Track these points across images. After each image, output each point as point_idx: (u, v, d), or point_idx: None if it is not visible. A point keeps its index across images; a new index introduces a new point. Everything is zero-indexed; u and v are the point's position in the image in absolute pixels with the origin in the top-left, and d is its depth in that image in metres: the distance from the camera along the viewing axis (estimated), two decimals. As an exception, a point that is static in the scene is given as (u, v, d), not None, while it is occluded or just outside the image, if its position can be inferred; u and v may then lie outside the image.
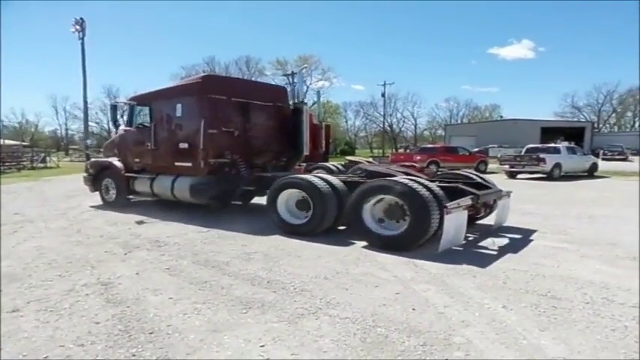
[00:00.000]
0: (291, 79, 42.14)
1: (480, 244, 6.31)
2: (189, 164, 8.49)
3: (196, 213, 8.78)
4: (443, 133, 70.54)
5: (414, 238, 5.72)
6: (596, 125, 72.49)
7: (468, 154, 27.13)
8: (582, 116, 78.95)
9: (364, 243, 6.16)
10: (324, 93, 55.95)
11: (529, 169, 19.90)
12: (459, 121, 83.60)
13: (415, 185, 5.79)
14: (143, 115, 9.72)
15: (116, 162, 10.12)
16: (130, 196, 10.00)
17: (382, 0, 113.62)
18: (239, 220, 7.92)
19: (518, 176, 20.44)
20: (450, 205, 5.59)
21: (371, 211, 6.14)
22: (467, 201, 5.91)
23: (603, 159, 38.18)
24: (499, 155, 24.94)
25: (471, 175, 7.64)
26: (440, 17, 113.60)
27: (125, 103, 10.30)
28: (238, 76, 63.01)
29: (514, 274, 4.81)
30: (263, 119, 9.21)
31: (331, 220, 6.64)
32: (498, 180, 10.98)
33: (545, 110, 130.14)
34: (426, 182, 6.12)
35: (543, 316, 3.69)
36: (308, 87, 59.02)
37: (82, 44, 39.42)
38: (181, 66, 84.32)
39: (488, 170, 24.21)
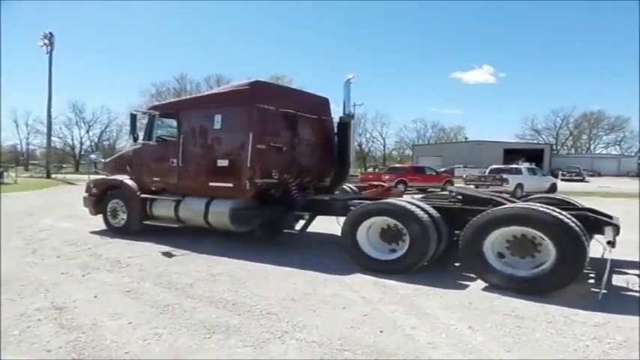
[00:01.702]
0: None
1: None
2: (230, 185, 7.24)
3: (164, 233, 8.51)
4: (411, 153, 71.87)
5: (564, 278, 4.74)
6: (554, 147, 75.55)
7: (434, 173, 27.65)
8: (541, 138, 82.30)
9: (334, 263, 6.11)
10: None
11: (493, 189, 20.42)
12: (426, 142, 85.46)
13: (562, 216, 4.82)
14: (165, 128, 8.60)
15: (128, 181, 8.65)
16: (147, 222, 8.31)
17: (352, 24, 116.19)
18: (205, 240, 7.73)
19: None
20: (605, 237, 4.88)
21: (492, 245, 5.15)
22: (611, 232, 4.98)
23: (562, 179, 39.76)
24: (464, 175, 25.53)
25: (565, 199, 6.89)
26: (405, 42, 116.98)
27: (145, 113, 8.85)
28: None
29: (479, 293, 4.86)
30: (309, 133, 8.10)
31: (431, 256, 5.61)
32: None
33: (507, 132, 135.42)
34: (562, 211, 4.99)
35: (508, 336, 3.73)
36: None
37: (50, 58, 38.35)
38: (151, 83, 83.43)
39: (454, 190, 24.68)
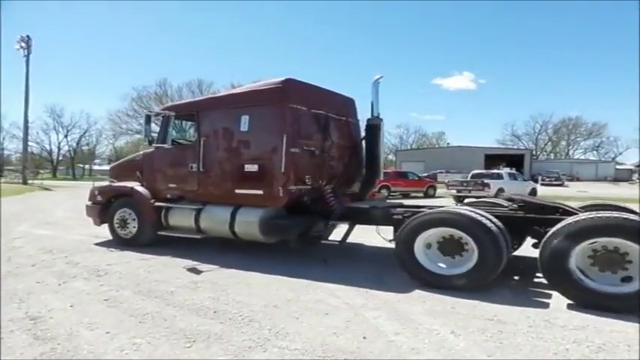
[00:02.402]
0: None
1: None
2: (260, 192, 6.69)
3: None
4: (394, 159, 72.38)
5: None
6: (534, 152, 76.97)
7: (417, 178, 27.88)
8: (522, 144, 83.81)
9: (317, 269, 6.08)
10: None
11: (475, 194, 20.69)
12: (409, 147, 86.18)
13: None
14: (181, 130, 8.22)
15: (139, 188, 7.98)
16: (162, 232, 7.67)
17: (333, 30, 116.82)
18: (185, 247, 7.61)
19: (465, 200, 21.18)
20: None
21: (576, 258, 4.70)
22: None
23: (542, 184, 40.51)
24: (447, 180, 25.83)
25: (621, 206, 6.55)
26: (387, 47, 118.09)
27: (157, 114, 8.06)
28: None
29: (462, 298, 4.87)
30: (338, 136, 7.61)
31: (500, 269, 5.18)
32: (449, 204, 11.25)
33: (488, 138, 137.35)
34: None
35: (490, 341, 3.74)
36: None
37: (27, 62, 37.66)
38: (132, 87, 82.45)
39: (437, 195, 24.94)
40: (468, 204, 7.59)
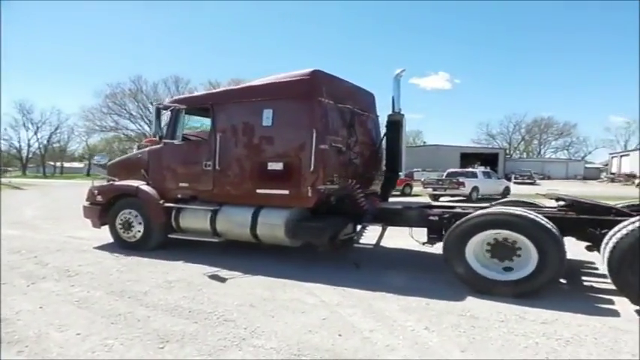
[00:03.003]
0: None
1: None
2: (285, 192, 6.26)
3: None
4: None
5: None
6: (507, 151, 78.62)
7: (394, 177, 28.00)
8: (496, 143, 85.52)
9: (293, 268, 6.07)
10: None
11: (450, 192, 21.05)
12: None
13: None
14: (192, 124, 7.77)
15: (145, 187, 7.43)
16: (173, 235, 7.19)
17: (310, 29, 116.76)
18: (163, 246, 7.49)
19: (441, 198, 21.51)
20: None
21: None
22: None
23: (515, 183, 41.40)
24: (423, 179, 26.15)
25: None
26: (364, 47, 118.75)
27: (166, 107, 7.32)
28: (168, 98, 60.66)
29: (436, 294, 4.94)
30: (361, 133, 7.23)
31: (561, 275, 5.00)
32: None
33: (464, 137, 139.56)
34: None
35: (463, 336, 3.81)
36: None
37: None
38: (106, 83, 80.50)
39: (413, 193, 25.22)
40: (503, 204, 7.17)
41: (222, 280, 5.54)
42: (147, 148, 7.95)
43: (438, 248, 5.61)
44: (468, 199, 20.43)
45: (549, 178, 58.71)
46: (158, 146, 7.54)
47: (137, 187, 7.43)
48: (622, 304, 4.60)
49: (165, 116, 7.40)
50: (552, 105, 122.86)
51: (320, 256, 6.70)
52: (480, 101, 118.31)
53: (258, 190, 6.48)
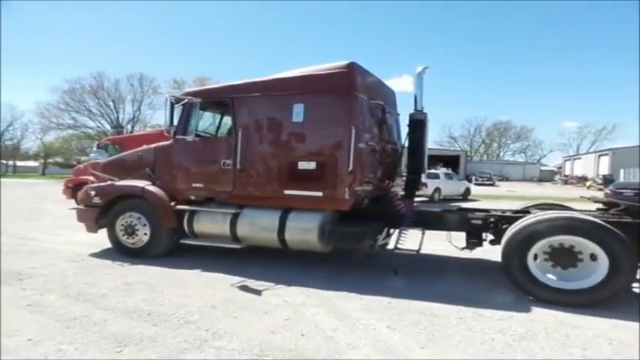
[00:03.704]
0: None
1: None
2: (318, 193, 5.81)
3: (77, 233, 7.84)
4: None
5: None
6: (468, 154, 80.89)
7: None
8: (458, 145, 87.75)
9: (256, 268, 6.03)
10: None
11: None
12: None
13: None
14: (206, 119, 7.16)
15: (152, 187, 6.79)
16: (185, 241, 6.57)
17: (273, 28, 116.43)
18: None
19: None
20: None
21: None
22: None
23: (475, 184, 42.60)
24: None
25: None
26: (327, 49, 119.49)
27: (179, 99, 6.62)
28: (130, 95, 58.64)
29: (398, 293, 5.03)
30: (388, 131, 6.92)
31: (633, 283, 4.83)
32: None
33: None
34: None
35: (423, 333, 3.90)
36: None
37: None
38: (64, 79, 77.33)
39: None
40: (538, 207, 6.68)
41: (184, 281, 5.44)
42: (153, 145, 7.29)
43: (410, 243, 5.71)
44: (431, 199, 20.86)
45: (507, 179, 60.80)
46: (167, 143, 6.92)
47: (143, 188, 6.77)
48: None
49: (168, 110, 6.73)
50: (511, 109, 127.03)
51: (284, 255, 6.68)
52: (442, 104, 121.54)
53: (287, 192, 6.00)
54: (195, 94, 6.75)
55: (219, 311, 4.37)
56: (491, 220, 5.67)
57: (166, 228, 6.60)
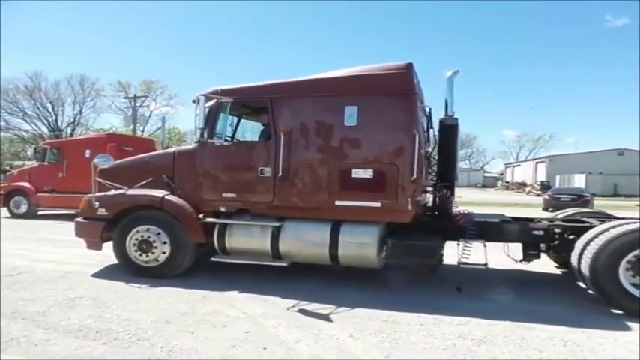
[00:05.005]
0: (133, 103, 39.09)
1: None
2: (376, 204, 5.33)
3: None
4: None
5: None
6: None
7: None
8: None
9: (214, 278, 5.79)
10: (169, 119, 52.91)
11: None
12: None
13: None
14: (232, 123, 6.59)
15: (173, 198, 6.00)
16: (216, 259, 5.92)
17: (244, 32, 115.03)
18: (59, 257, 6.78)
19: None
20: None
21: None
22: None
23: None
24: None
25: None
26: (290, 57, 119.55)
27: (209, 98, 5.91)
28: (71, 97, 55.48)
29: (359, 301, 4.97)
30: (427, 135, 6.44)
31: None
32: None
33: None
34: None
35: (386, 341, 3.87)
36: (151, 112, 55.50)
37: None
38: (-6, 77, 71.91)
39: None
40: (584, 215, 6.63)
41: (135, 295, 5.13)
42: (172, 149, 6.64)
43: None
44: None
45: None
46: (190, 147, 6.23)
47: (163, 198, 5.96)
48: (527, 302, 5.03)
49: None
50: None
51: (238, 265, 6.48)
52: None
53: (338, 202, 5.48)
54: (227, 92, 6.00)
55: (174, 326, 4.13)
56: (556, 230, 5.54)
57: (192, 243, 5.92)
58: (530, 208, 21.64)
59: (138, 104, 42.78)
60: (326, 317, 4.45)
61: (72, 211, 13.75)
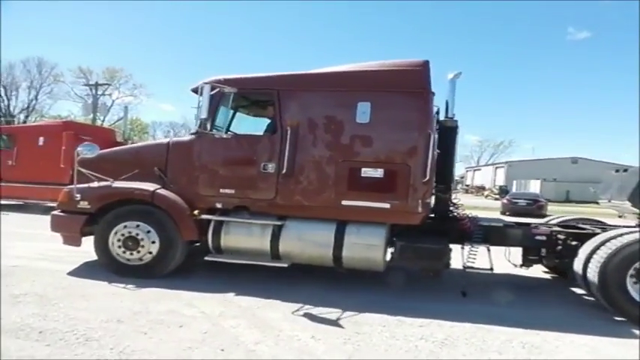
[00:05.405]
0: (94, 91, 37.64)
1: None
2: (385, 205, 5.18)
3: None
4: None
5: None
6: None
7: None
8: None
9: (172, 277, 5.55)
10: (131, 110, 51.25)
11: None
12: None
13: None
14: (230, 115, 6.15)
15: (164, 192, 5.63)
16: (210, 258, 5.58)
17: (223, 32, 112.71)
18: (5, 251, 6.35)
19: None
20: None
21: None
22: None
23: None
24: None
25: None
26: (271, 59, 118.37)
27: (212, 87, 5.44)
28: (27, 82, 52.83)
29: (320, 301, 4.87)
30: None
31: None
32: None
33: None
34: None
35: (349, 343, 3.79)
36: (113, 101, 53.67)
37: None
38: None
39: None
40: (576, 221, 6.70)
41: (84, 292, 4.83)
42: (166, 140, 6.24)
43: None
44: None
45: (417, 187, 64.29)
46: (186, 139, 5.97)
47: (154, 192, 5.59)
48: (489, 304, 5.09)
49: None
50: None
51: (196, 262, 6.27)
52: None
53: (345, 202, 5.30)
54: (231, 82, 5.66)
55: (127, 326, 3.91)
56: (559, 236, 5.55)
57: (183, 241, 5.59)
58: (489, 211, 22.21)
59: (99, 92, 41.32)
60: (287, 318, 4.33)
61: (20, 202, 13.14)
